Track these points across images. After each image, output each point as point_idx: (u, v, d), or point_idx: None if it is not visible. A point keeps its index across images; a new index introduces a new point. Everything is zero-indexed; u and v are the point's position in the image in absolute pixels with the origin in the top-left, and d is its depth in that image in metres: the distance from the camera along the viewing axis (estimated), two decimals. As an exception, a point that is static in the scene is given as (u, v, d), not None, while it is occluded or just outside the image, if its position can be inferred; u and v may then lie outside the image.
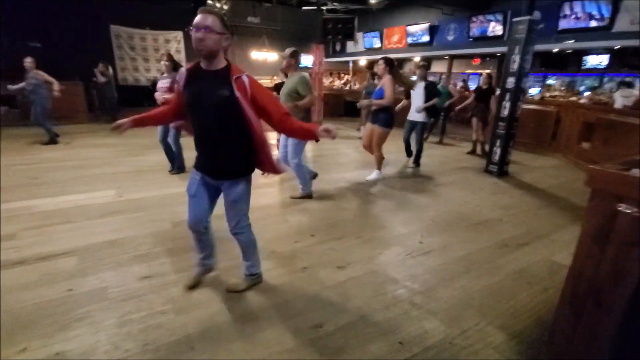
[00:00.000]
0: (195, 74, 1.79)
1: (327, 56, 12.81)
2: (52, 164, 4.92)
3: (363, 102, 4.21)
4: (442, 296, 2.20)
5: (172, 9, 11.21)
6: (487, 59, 13.12)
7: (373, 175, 4.63)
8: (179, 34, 11.06)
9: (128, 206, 3.45)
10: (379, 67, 4.18)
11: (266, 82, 12.50)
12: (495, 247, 2.90)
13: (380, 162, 4.58)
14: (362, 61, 16.31)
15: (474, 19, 10.79)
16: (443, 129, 7.58)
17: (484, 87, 6.18)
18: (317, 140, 1.94)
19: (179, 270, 2.37)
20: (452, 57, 13.30)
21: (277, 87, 5.53)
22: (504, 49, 6.42)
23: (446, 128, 7.78)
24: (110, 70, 8.22)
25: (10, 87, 5.94)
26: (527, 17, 4.53)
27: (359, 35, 14.63)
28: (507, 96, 4.88)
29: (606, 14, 7.91)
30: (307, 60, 15.06)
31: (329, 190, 4.21)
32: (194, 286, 2.19)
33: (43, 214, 3.25)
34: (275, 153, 3.70)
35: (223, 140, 1.82)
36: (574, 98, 9.33)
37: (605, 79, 10.88)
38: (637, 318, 1.29)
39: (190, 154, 2.45)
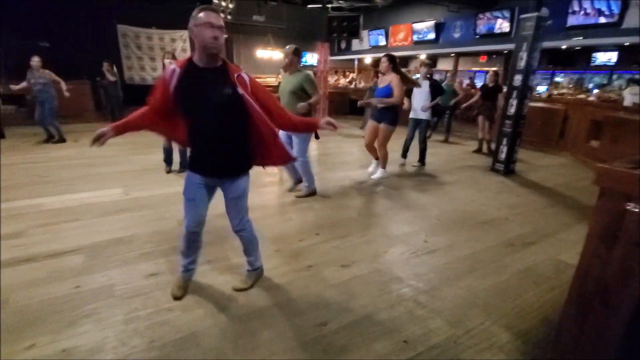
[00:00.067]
0: (190, 73, 1.72)
1: (332, 54, 12.79)
2: (59, 163, 4.98)
3: (373, 101, 4.15)
4: (447, 295, 2.19)
5: (178, 8, 11.21)
6: (494, 56, 13.02)
7: (378, 174, 4.62)
8: (185, 33, 11.08)
9: (134, 204, 3.48)
10: (383, 65, 4.17)
11: (272, 80, 12.52)
12: (501, 246, 2.88)
13: (385, 160, 4.56)
14: (368, 59, 16.25)
15: (481, 15, 10.69)
16: (448, 127, 7.54)
17: (491, 84, 6.12)
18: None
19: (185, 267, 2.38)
20: (458, 55, 13.21)
21: None
22: (511, 46, 6.35)
23: (451, 126, 7.72)
24: (115, 69, 8.24)
25: (13, 87, 5.96)
26: (535, 14, 4.48)
27: (364, 33, 14.57)
28: (514, 94, 4.83)
29: (615, 10, 7.79)
30: (312, 58, 15.07)
31: (334, 188, 4.21)
32: (183, 295, 2.09)
33: (51, 212, 3.29)
34: None
35: (226, 138, 1.82)
36: (582, 96, 9.22)
37: (614, 76, 10.74)
38: (645, 318, 1.27)
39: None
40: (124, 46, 10.77)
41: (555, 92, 10.43)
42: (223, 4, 9.70)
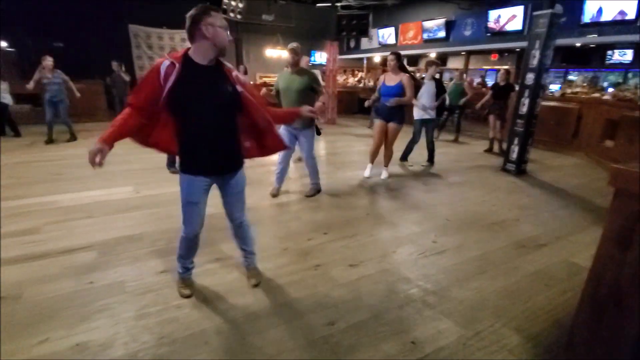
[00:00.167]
0: (190, 70, 1.69)
1: (341, 53, 12.74)
2: (73, 161, 5.08)
3: (392, 102, 4.12)
4: (456, 296, 2.17)
5: (189, 8, 11.32)
6: (506, 54, 12.81)
7: (385, 173, 4.61)
8: (196, 33, 11.20)
9: (145, 202, 3.53)
10: (391, 63, 4.13)
11: (280, 79, 12.53)
12: (511, 248, 2.84)
13: (390, 159, 4.58)
14: (377, 58, 16.17)
15: (493, 12, 10.54)
16: (458, 127, 7.44)
17: (502, 83, 6.04)
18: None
19: (196, 264, 2.40)
20: (469, 53, 13.04)
21: None
22: (523, 44, 6.25)
23: (461, 126, 7.63)
24: (124, 68, 8.27)
25: (29, 86, 6.02)
26: (549, 11, 4.40)
27: (373, 32, 14.49)
28: (526, 93, 4.75)
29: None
30: (321, 57, 15.05)
31: (342, 188, 4.20)
32: (192, 293, 2.11)
33: (65, 209, 3.36)
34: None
35: (227, 135, 1.85)
36: (596, 94, 9.01)
37: (630, 75, 10.47)
38: (661, 323, 1.24)
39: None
40: (136, 46, 10.91)
41: (569, 90, 10.22)
42: (233, 3, 9.74)
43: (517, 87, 5.34)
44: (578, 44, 9.47)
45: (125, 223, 3.08)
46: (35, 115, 8.09)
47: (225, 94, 1.76)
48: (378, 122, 4.38)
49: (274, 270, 2.40)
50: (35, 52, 6.17)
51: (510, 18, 10.17)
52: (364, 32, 10.29)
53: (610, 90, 9.24)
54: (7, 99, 6.66)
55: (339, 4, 10.32)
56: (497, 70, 13.01)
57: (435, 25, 12.50)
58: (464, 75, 8.66)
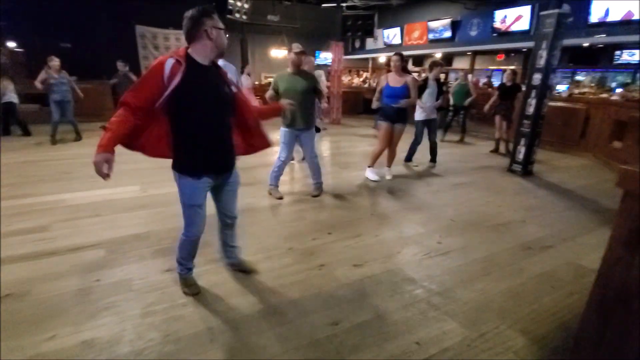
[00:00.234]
0: (194, 70, 1.68)
1: (346, 53, 12.75)
2: (82, 160, 5.12)
3: (403, 103, 4.11)
4: (460, 298, 2.16)
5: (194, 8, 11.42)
6: (512, 54, 12.73)
7: (389, 174, 4.61)
8: (201, 33, 11.26)
9: (152, 201, 3.56)
10: (396, 64, 4.11)
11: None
12: (517, 249, 2.82)
13: (393, 160, 4.60)
14: (382, 58, 16.14)
15: (499, 13, 10.48)
16: (463, 127, 7.38)
17: (508, 84, 6.00)
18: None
19: (199, 264, 2.42)
20: (475, 53, 12.97)
21: None
22: (530, 44, 6.19)
23: (466, 126, 7.55)
24: (127, 68, 8.22)
25: (39, 85, 6.04)
26: (556, 11, 4.36)
27: (379, 32, 14.48)
28: (533, 93, 4.72)
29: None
30: (326, 58, 15.06)
31: (346, 188, 4.20)
32: (199, 290, 2.13)
33: (73, 207, 3.40)
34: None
35: (227, 134, 1.89)
36: (604, 95, 8.92)
37: (639, 75, 10.34)
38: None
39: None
40: (142, 47, 11.00)
41: (577, 91, 10.13)
42: (238, 4, 9.78)
43: (523, 88, 5.30)
44: (586, 44, 9.38)
45: (132, 222, 3.11)
46: (43, 115, 8.19)
47: (225, 94, 1.83)
48: (385, 125, 4.25)
49: (279, 270, 2.41)
50: (43, 53, 6.23)
51: (517, 18, 10.10)
52: (369, 33, 10.30)
53: (619, 90, 9.13)
54: (14, 98, 6.73)
55: (344, 5, 10.32)
56: (503, 71, 12.94)
57: (440, 25, 12.46)
58: (469, 75, 8.61)
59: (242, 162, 5.04)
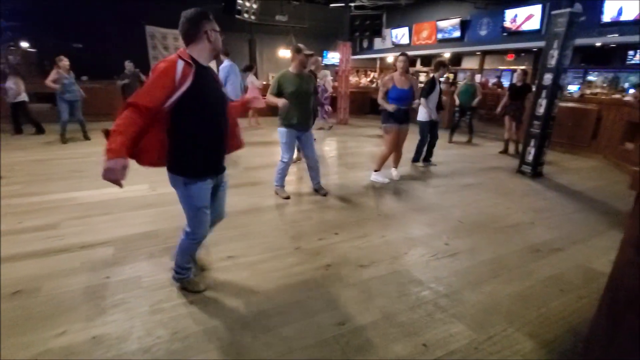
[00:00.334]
0: (200, 72, 1.70)
1: (353, 53, 12.72)
2: (93, 158, 5.21)
3: (415, 104, 4.11)
4: (468, 300, 2.15)
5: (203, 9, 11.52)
6: (522, 54, 12.58)
7: (397, 174, 4.59)
8: (209, 34, 11.34)
9: (160, 200, 3.60)
10: (404, 65, 4.07)
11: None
12: (526, 252, 2.79)
13: (400, 160, 4.60)
14: (390, 58, 16.07)
15: (509, 12, 10.36)
16: (470, 128, 7.29)
17: (519, 84, 5.93)
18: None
19: (209, 262, 2.44)
20: (485, 53, 12.85)
21: None
22: (540, 43, 6.12)
23: (474, 127, 7.45)
24: (131, 67, 8.23)
25: (51, 84, 6.08)
26: (568, 10, 4.30)
27: (387, 32, 14.42)
28: (544, 93, 4.65)
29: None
30: (334, 57, 15.05)
31: (353, 188, 4.20)
32: (205, 287, 2.16)
33: (84, 205, 3.46)
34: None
35: (225, 133, 1.91)
36: (617, 95, 8.77)
37: (653, 75, 10.13)
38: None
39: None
40: (152, 47, 11.11)
41: (588, 91, 9.98)
42: (247, 4, 9.82)
43: (534, 88, 5.23)
44: (598, 44, 9.22)
45: (141, 220, 3.15)
46: (55, 114, 8.32)
47: (223, 94, 1.87)
48: (394, 128, 4.17)
49: (285, 270, 2.42)
50: (55, 53, 6.32)
51: (528, 17, 9.98)
52: (377, 33, 10.26)
53: (632, 91, 8.96)
54: (25, 97, 6.85)
55: (352, 4, 10.30)
56: (513, 71, 12.79)
57: (449, 25, 12.36)
58: (479, 75, 8.52)
59: (247, 162, 5.12)
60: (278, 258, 2.57)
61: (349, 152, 6.30)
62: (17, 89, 6.67)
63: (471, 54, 13.70)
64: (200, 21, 1.72)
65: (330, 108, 7.76)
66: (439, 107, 5.24)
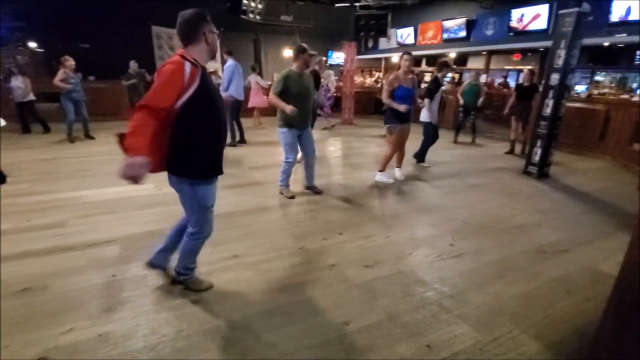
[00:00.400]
0: (204, 72, 1.72)
1: (358, 53, 12.70)
2: (99, 158, 5.27)
3: (421, 104, 4.12)
4: (473, 301, 2.14)
5: (209, 10, 11.56)
6: (529, 54, 12.47)
7: (401, 174, 4.57)
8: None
9: (166, 199, 3.62)
10: (409, 64, 4.05)
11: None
12: (532, 253, 2.77)
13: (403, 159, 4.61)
14: (395, 58, 16.02)
15: (516, 11, 10.28)
16: (473, 128, 7.23)
17: (526, 84, 5.88)
18: None
19: (212, 262, 2.46)
20: (490, 53, 12.76)
21: None
22: (547, 43, 6.06)
23: (477, 127, 7.36)
24: (136, 67, 8.23)
25: (60, 84, 6.15)
26: (576, 9, 4.26)
27: (392, 32, 14.39)
28: (550, 93, 4.61)
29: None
30: (338, 57, 15.02)
31: (358, 188, 4.19)
32: (210, 285, 2.19)
33: (90, 204, 3.49)
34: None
35: (225, 134, 1.95)
36: (625, 96, 8.67)
37: (663, 75, 10.00)
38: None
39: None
40: (158, 47, 11.17)
41: (596, 91, 9.86)
42: (252, 4, 9.85)
43: (541, 88, 5.18)
44: (606, 44, 9.12)
45: (147, 219, 3.17)
46: (62, 113, 8.41)
47: (220, 95, 1.89)
48: (398, 127, 4.15)
49: (289, 269, 2.43)
50: (62, 53, 6.38)
51: (534, 17, 9.90)
52: (383, 33, 10.24)
53: (640, 91, 8.85)
54: (32, 96, 6.93)
55: (357, 4, 10.30)
56: (519, 71, 12.69)
57: (455, 24, 12.30)
58: (485, 75, 8.46)
59: (252, 162, 5.13)
60: (282, 258, 2.57)
61: (354, 153, 6.29)
62: (25, 88, 6.76)
63: (477, 53, 13.61)
64: (199, 23, 1.71)
65: (329, 111, 7.75)
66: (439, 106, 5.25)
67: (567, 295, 2.24)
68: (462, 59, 14.52)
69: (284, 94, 3.41)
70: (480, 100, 6.73)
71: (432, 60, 15.55)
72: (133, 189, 3.89)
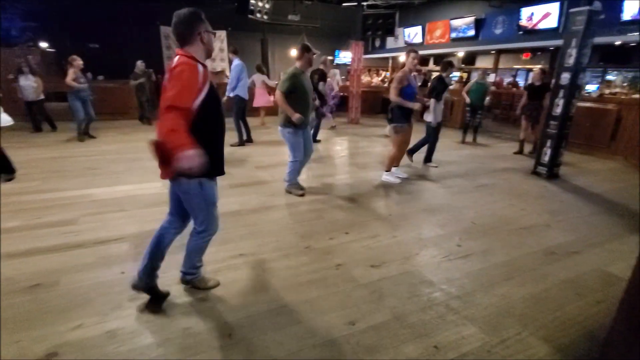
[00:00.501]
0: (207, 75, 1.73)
1: (365, 52, 12.66)
2: (108, 156, 5.33)
3: (427, 103, 4.11)
4: (480, 302, 2.12)
5: (217, 9, 11.64)
6: (539, 53, 12.31)
7: (403, 172, 4.58)
8: (223, 34, 11.43)
9: (173, 197, 3.66)
10: (417, 61, 4.03)
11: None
12: (540, 254, 2.73)
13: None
14: (402, 57, 15.94)
15: (525, 10, 10.16)
16: (476, 128, 7.11)
17: (537, 83, 5.80)
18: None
19: (218, 260, 2.47)
20: (499, 52, 12.63)
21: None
22: (557, 42, 5.97)
23: (480, 127, 7.24)
24: (143, 67, 8.24)
25: (73, 83, 6.22)
26: (587, 8, 4.19)
27: (399, 31, 14.31)
28: (561, 93, 4.55)
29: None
30: (345, 56, 14.99)
31: (364, 188, 4.18)
32: (218, 281, 2.22)
33: (99, 202, 3.53)
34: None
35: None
36: (637, 95, 8.50)
37: (676, 75, 9.80)
38: None
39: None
40: (166, 47, 11.26)
41: (607, 91, 9.70)
42: (260, 4, 9.87)
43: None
44: (618, 43, 8.96)
45: (155, 217, 3.18)
46: (71, 113, 8.52)
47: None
48: (406, 127, 4.15)
49: (296, 268, 2.43)
50: (73, 53, 6.46)
51: (544, 15, 9.76)
52: (390, 32, 10.18)
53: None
54: (42, 95, 7.03)
55: (364, 3, 10.26)
56: (528, 70, 12.54)
57: (463, 23, 12.19)
58: (494, 74, 8.36)
59: (257, 161, 5.14)
60: (288, 257, 2.58)
61: (360, 152, 6.28)
62: (37, 87, 6.87)
63: (486, 53, 13.48)
64: (194, 22, 1.71)
65: (330, 112, 7.74)
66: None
67: (577, 297, 2.21)
68: (470, 58, 14.39)
69: (291, 93, 3.43)
70: (487, 99, 6.66)
71: (440, 59, 15.44)
72: (141, 187, 3.94)
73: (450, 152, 6.13)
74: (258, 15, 9.94)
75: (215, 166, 1.82)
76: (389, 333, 1.84)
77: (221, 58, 11.56)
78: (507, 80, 12.80)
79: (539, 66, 10.42)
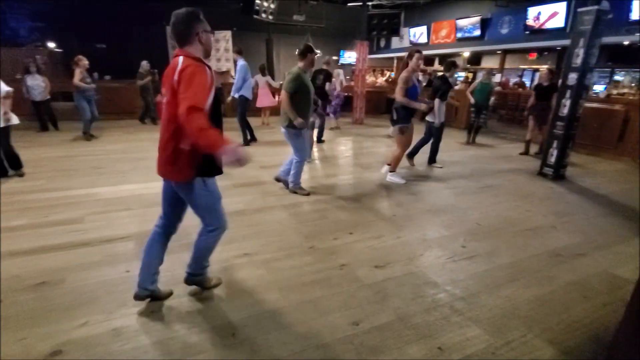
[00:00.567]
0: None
1: (370, 52, 12.63)
2: (114, 156, 5.37)
3: (431, 104, 4.11)
4: (485, 304, 2.10)
5: (222, 10, 11.70)
6: (545, 53, 12.22)
7: (385, 170, 4.60)
8: (228, 34, 11.48)
9: (178, 197, 3.68)
10: (421, 62, 4.01)
11: (309, 79, 12.63)
12: (546, 256, 2.71)
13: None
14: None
15: (532, 10, 10.08)
16: (477, 128, 7.05)
17: (545, 83, 5.76)
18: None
19: (222, 260, 2.48)
20: (505, 52, 12.55)
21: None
22: (564, 42, 5.92)
23: (482, 127, 7.18)
24: (147, 67, 8.22)
25: (80, 83, 6.23)
26: (595, 7, 4.15)
27: (405, 31, 14.27)
28: (568, 93, 4.51)
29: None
30: (350, 56, 14.98)
31: (368, 188, 4.17)
32: (220, 280, 2.24)
33: (105, 201, 3.56)
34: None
35: None
36: (646, 96, 8.39)
37: (686, 75, 9.68)
38: None
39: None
40: (172, 47, 11.33)
41: (615, 91, 9.59)
42: (265, 4, 9.90)
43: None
44: (626, 43, 8.86)
45: (159, 216, 3.21)
46: (77, 112, 8.59)
47: None
48: (409, 127, 4.17)
49: (300, 268, 2.43)
50: (80, 53, 6.52)
51: (552, 15, 9.69)
52: (395, 32, 10.14)
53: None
54: (48, 95, 7.10)
55: (370, 3, 10.24)
56: (535, 70, 12.44)
57: (469, 23, 12.13)
58: (499, 74, 8.30)
59: (261, 161, 5.15)
60: (292, 256, 2.58)
61: (364, 152, 6.27)
62: (45, 87, 6.94)
63: (491, 52, 13.40)
64: (192, 22, 1.70)
65: (331, 113, 7.74)
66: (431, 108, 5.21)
67: (584, 300, 2.18)
68: (476, 58, 14.32)
69: (295, 93, 3.46)
70: (492, 99, 6.62)
71: (445, 59, 15.39)
72: (146, 187, 3.97)
73: (455, 153, 6.10)
74: (263, 15, 9.97)
75: (215, 165, 1.83)
76: (392, 334, 1.83)
77: (226, 58, 11.61)
78: (514, 80, 12.72)
79: (546, 66, 10.35)
